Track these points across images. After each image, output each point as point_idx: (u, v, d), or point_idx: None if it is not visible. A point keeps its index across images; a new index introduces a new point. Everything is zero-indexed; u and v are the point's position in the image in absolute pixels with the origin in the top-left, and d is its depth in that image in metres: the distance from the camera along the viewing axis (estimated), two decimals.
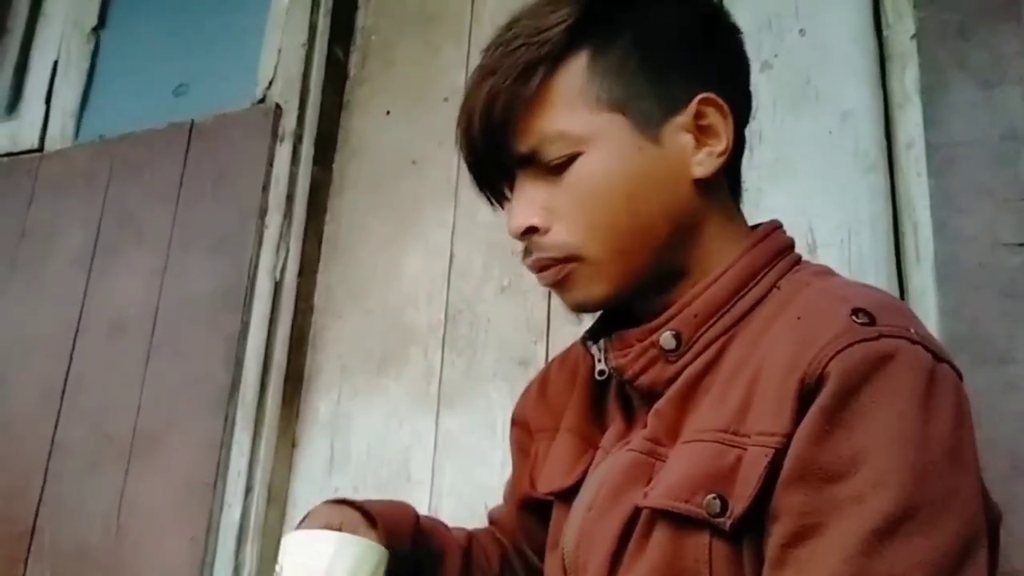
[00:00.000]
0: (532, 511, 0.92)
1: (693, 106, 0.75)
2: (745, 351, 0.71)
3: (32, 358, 1.70)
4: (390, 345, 1.49)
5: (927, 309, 1.09)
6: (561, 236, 0.75)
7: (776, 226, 0.81)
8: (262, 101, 1.67)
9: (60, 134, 1.91)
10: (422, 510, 1.40)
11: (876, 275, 1.21)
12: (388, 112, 1.64)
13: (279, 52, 1.69)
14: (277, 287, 1.55)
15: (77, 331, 1.68)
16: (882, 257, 1.21)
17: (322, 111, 1.64)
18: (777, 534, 0.62)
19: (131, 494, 1.52)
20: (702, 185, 0.76)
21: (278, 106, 1.64)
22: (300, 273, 1.56)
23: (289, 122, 1.63)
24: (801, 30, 1.34)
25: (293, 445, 1.51)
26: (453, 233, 1.52)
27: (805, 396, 0.63)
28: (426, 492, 1.39)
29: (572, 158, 0.74)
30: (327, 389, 1.52)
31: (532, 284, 1.43)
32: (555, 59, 0.74)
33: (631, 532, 0.70)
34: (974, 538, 0.60)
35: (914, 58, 1.17)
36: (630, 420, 0.80)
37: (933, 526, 0.58)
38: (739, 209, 0.82)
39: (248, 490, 1.44)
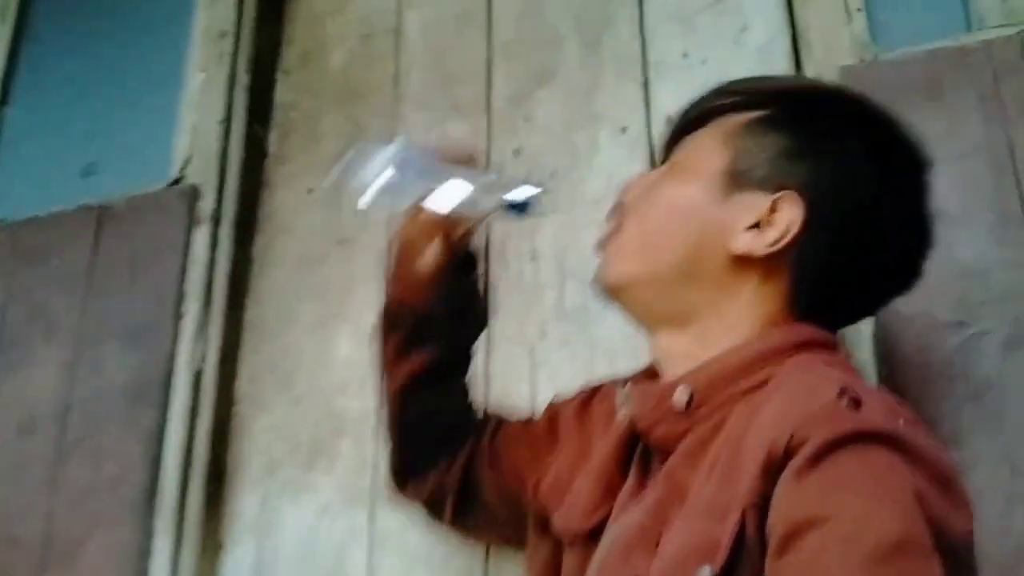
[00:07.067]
0: (519, 445, 1.01)
1: (778, 193, 0.80)
2: (744, 424, 0.72)
3: None
4: (320, 436, 1.43)
5: None
6: (627, 208, 0.87)
7: (821, 328, 0.82)
8: (177, 182, 1.60)
9: None
10: None
11: None
12: (311, 191, 1.59)
13: (194, 130, 1.63)
14: (197, 378, 1.47)
15: None
16: None
17: (241, 191, 1.58)
18: None
19: None
20: (740, 263, 0.80)
21: (194, 187, 1.58)
22: (221, 362, 1.49)
23: (207, 204, 1.56)
24: None
25: (218, 548, 1.42)
26: None
27: (777, 464, 0.64)
28: None
29: (680, 164, 0.86)
30: (253, 486, 1.44)
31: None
32: (747, 102, 0.85)
33: None
34: None
35: None
36: (645, 474, 0.82)
37: None
38: (801, 320, 0.81)
39: None
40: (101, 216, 1.63)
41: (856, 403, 0.65)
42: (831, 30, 1.26)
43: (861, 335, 1.10)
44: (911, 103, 1.16)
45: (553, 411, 1.03)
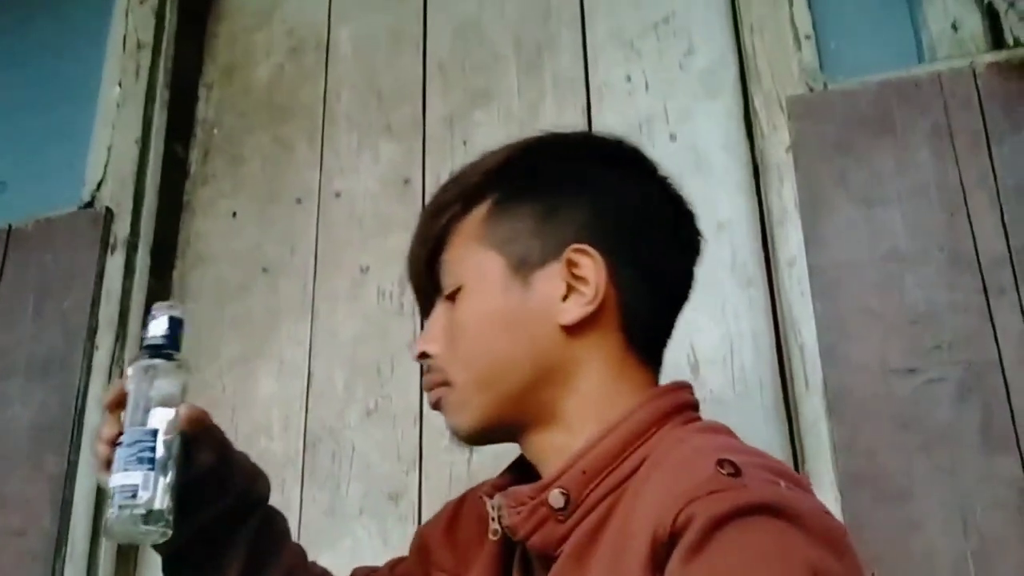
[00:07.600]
0: None
1: (566, 254, 0.77)
2: (627, 511, 0.68)
3: None
4: None
5: (820, 441, 1.03)
6: (440, 361, 0.80)
7: (678, 386, 0.80)
8: (90, 204, 1.50)
9: None
10: None
11: (762, 394, 1.15)
12: (234, 214, 1.51)
13: (109, 149, 1.53)
14: None
15: None
16: (767, 376, 1.16)
17: (159, 215, 1.49)
18: None
19: None
20: (575, 332, 0.77)
21: (109, 210, 1.48)
22: None
23: (121, 228, 1.47)
24: (672, 135, 1.29)
25: None
26: (311, 350, 1.39)
27: (664, 550, 0.61)
28: None
29: (459, 290, 0.80)
30: None
31: (401, 407, 1.32)
32: (467, 201, 0.82)
33: None
34: None
35: (791, 171, 1.13)
36: None
37: None
38: (642, 362, 0.79)
39: None
40: (7, 239, 1.52)
41: (736, 471, 0.62)
42: (779, 57, 1.21)
43: (811, 382, 1.05)
44: (860, 135, 1.13)
45: (422, 540, 0.96)
